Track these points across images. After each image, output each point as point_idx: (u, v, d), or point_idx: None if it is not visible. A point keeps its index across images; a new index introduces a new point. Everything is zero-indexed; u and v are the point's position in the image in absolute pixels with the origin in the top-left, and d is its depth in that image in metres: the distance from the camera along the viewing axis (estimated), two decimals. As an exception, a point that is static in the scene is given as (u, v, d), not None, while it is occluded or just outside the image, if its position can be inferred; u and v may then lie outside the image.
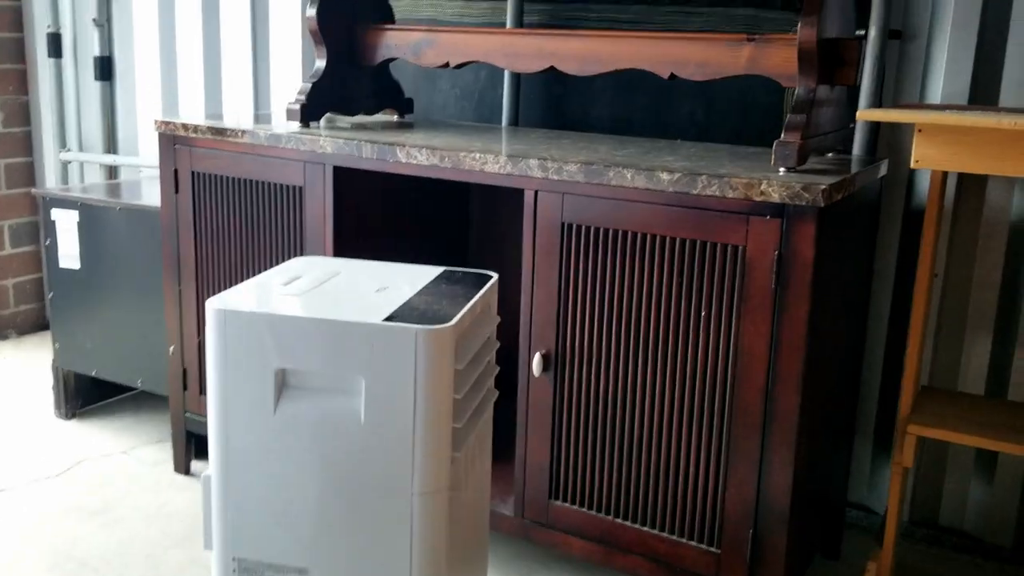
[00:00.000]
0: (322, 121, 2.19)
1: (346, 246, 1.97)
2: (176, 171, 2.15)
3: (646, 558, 1.67)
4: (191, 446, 2.34)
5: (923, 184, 1.99)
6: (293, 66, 2.77)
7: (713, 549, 1.61)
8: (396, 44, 2.14)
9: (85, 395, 2.72)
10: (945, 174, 1.64)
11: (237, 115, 2.24)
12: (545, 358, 1.70)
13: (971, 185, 1.94)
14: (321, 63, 2.13)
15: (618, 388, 1.65)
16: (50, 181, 3.35)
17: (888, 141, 2.01)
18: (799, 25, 1.57)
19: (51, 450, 2.45)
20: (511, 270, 1.91)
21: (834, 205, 1.48)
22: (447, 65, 2.07)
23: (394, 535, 1.25)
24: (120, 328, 2.51)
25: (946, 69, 1.92)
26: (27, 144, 3.38)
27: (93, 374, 2.59)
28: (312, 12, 2.08)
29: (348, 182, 1.94)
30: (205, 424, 2.35)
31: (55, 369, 2.64)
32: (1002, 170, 1.41)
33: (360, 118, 2.31)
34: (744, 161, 1.71)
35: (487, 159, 1.70)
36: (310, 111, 2.10)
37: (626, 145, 1.93)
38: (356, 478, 1.24)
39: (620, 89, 2.26)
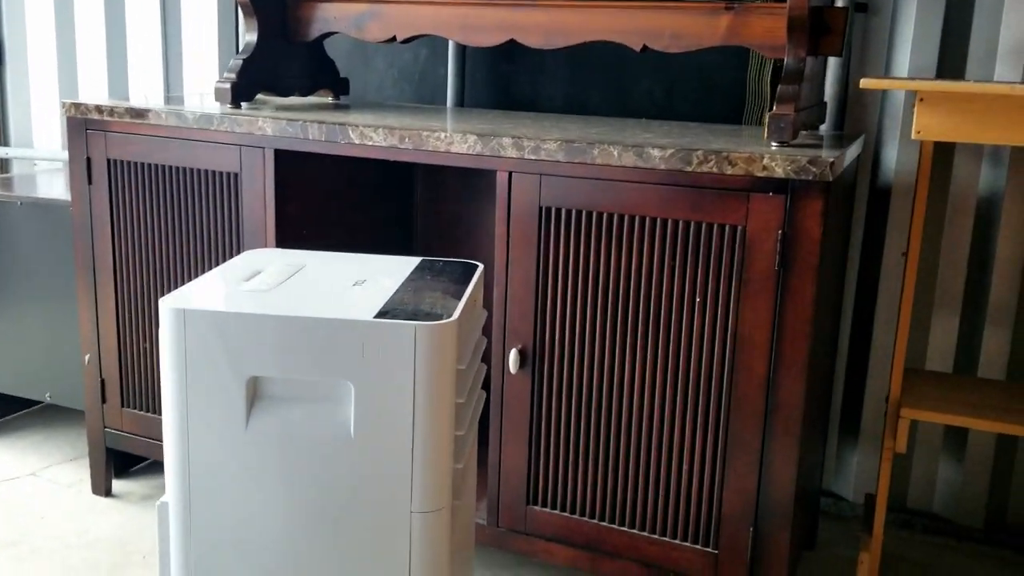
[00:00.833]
0: (249, 103, 1.98)
1: (289, 238, 1.77)
2: (89, 160, 1.91)
3: (637, 563, 1.55)
4: (111, 465, 2.10)
5: (888, 162, 1.93)
6: (208, 46, 2.53)
7: (710, 550, 1.49)
8: (335, 17, 1.95)
9: (-17, 411, 2.43)
10: (933, 149, 1.56)
11: (146, 99, 2.01)
12: (522, 354, 1.55)
13: (938, 162, 1.89)
14: (252, 37, 1.93)
15: (604, 383, 1.51)
16: (-69, 176, 3.01)
17: (853, 118, 1.94)
18: (788, -9, 1.47)
19: (-52, 475, 2.17)
20: (472, 258, 1.75)
21: (836, 180, 1.38)
22: (394, 39, 1.90)
23: (389, 561, 1.08)
24: (23, 336, 2.24)
25: (913, 43, 1.86)
26: (-97, 136, 3.02)
27: (-7, 388, 2.31)
28: (241, -19, 1.87)
29: (291, 167, 1.75)
30: (128, 440, 2.15)
31: (-52, 384, 2.35)
32: (1010, 139, 1.33)
33: (293, 99, 2.11)
34: (726, 137, 1.60)
35: (454, 139, 1.54)
36: (241, 90, 1.90)
37: (593, 124, 1.79)
38: (344, 499, 1.07)
39: (574, 66, 2.12)
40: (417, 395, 1.03)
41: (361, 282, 1.19)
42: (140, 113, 1.82)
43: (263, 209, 1.74)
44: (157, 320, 1.59)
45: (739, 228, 1.38)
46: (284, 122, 1.68)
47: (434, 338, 1.03)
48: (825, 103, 1.82)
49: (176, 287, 1.70)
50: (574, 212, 1.48)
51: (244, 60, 1.90)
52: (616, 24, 1.71)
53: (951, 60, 1.86)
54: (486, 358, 1.55)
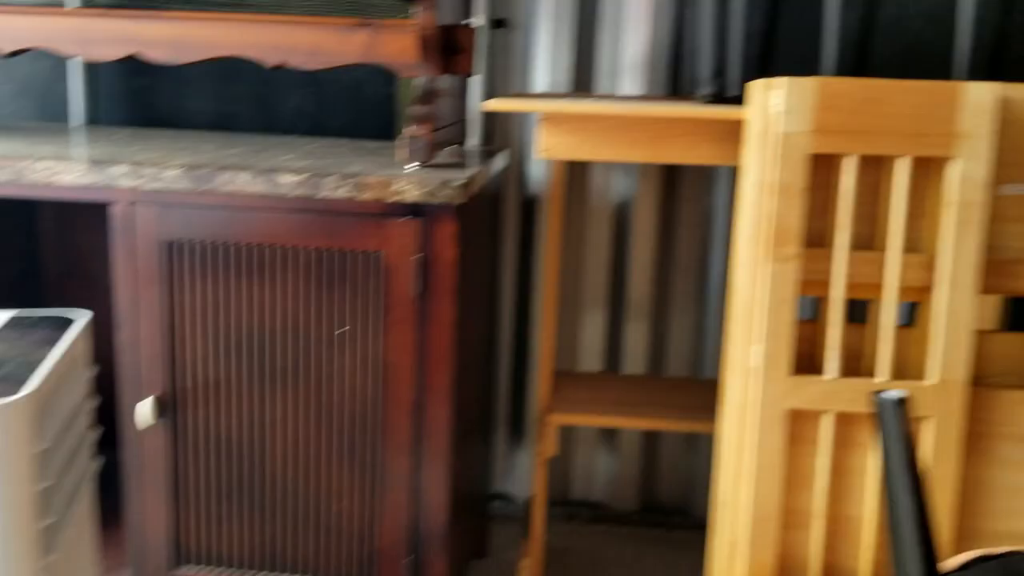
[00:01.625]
0: None
1: None
2: None
3: (300, 606, 1.44)
4: None
5: (535, 173, 1.96)
6: None
7: (373, 583, 1.42)
8: (-81, 24, 1.64)
9: None
10: (565, 163, 1.58)
11: None
12: (158, 402, 1.38)
13: (576, 172, 1.94)
14: None
15: (249, 426, 1.38)
16: None
17: (501, 131, 1.95)
18: (417, 10, 1.41)
19: None
20: (104, 303, 1.54)
21: (469, 201, 1.35)
22: (-6, 51, 1.62)
23: None
24: None
25: (549, 58, 1.89)
26: None
27: None
28: None
29: None
30: None
31: None
32: (624, 156, 1.37)
33: None
34: (370, 157, 1.52)
35: (59, 168, 1.33)
36: None
37: (235, 143, 1.65)
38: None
39: (220, 79, 1.95)
40: (-15, 486, 0.85)
41: (-78, 350, 0.97)
42: None
43: None
44: None
45: (377, 254, 1.31)
46: None
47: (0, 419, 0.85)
48: (466, 120, 1.81)
49: None
50: (203, 245, 1.33)
51: None
52: (248, 39, 1.57)
53: (584, 74, 1.92)
54: (111, 411, 1.37)
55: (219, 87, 1.96)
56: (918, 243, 1.20)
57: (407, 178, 1.28)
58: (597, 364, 2.01)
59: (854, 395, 1.18)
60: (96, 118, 1.98)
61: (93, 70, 1.96)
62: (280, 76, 1.92)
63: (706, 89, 1.45)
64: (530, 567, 1.64)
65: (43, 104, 2.00)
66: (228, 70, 1.94)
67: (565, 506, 2.09)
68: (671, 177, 1.94)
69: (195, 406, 1.38)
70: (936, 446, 1.17)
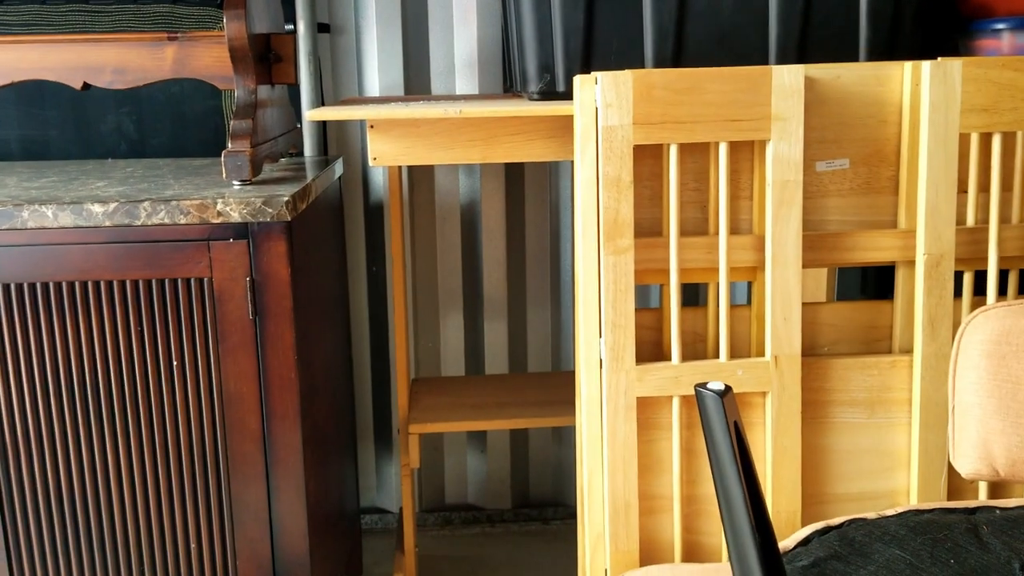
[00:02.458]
0: None
1: None
2: None
3: (160, 657, 1.35)
4: None
5: (377, 178, 1.91)
6: None
7: (237, 621, 1.35)
8: None
9: None
10: (403, 167, 1.55)
11: None
12: (-23, 457, 1.27)
13: (422, 174, 1.91)
14: None
15: (82, 474, 1.29)
16: None
17: (337, 138, 1.89)
18: (225, 20, 1.34)
19: None
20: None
21: (302, 215, 1.30)
22: None
23: None
24: None
25: (379, 61, 1.85)
26: None
27: None
28: None
29: None
30: None
31: None
32: (453, 159, 1.34)
33: None
34: (192, 177, 1.44)
35: None
36: None
37: (44, 173, 1.53)
38: None
39: (24, 103, 1.81)
40: None
41: None
42: None
43: None
44: None
45: (205, 280, 1.23)
46: None
47: None
48: (299, 127, 1.74)
49: None
50: (11, 287, 1.23)
51: None
52: (49, 62, 1.47)
53: (417, 75, 1.89)
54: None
55: (26, 112, 1.82)
56: (745, 225, 1.22)
57: (229, 198, 1.21)
58: (460, 367, 1.99)
59: (698, 378, 1.19)
60: None
61: None
62: (94, 95, 1.81)
63: (535, 86, 1.44)
64: (403, 580, 1.61)
65: None
66: (34, 93, 1.80)
67: (441, 511, 2.06)
68: (516, 173, 1.93)
69: (17, 461, 1.27)
70: (777, 419, 1.20)
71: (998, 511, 0.82)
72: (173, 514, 1.30)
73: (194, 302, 1.23)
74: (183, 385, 1.26)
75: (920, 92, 1.18)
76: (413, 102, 1.50)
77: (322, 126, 1.86)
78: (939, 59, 1.17)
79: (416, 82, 1.89)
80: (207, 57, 1.46)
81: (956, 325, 1.20)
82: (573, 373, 1.73)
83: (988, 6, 1.48)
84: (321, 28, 1.82)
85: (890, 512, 0.83)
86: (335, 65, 1.87)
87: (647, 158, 1.19)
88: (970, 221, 1.23)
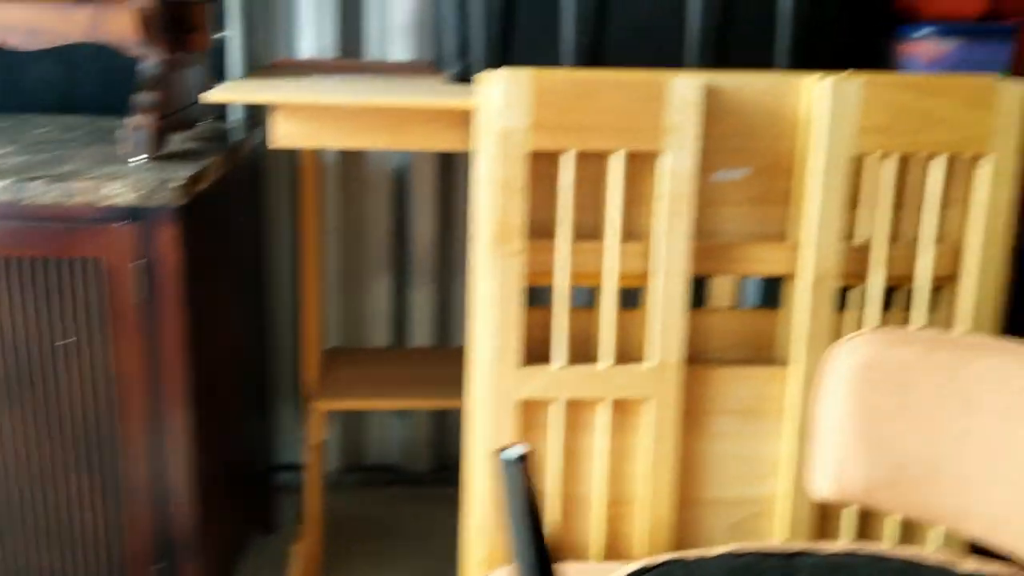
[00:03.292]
0: None
1: None
2: None
3: (55, 617, 1.38)
4: None
5: (307, 142, 1.88)
6: None
7: (128, 591, 1.38)
8: None
9: None
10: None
11: None
12: None
13: (351, 141, 1.88)
14: None
15: (-21, 438, 1.30)
16: None
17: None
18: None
19: None
20: None
21: (202, 194, 1.28)
22: None
23: None
24: None
25: (313, 24, 1.81)
26: None
27: None
28: None
29: None
30: None
31: None
32: (365, 143, 1.32)
33: None
34: (103, 145, 1.42)
35: None
36: None
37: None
38: None
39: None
40: None
41: None
42: None
43: None
44: None
45: (96, 261, 1.23)
46: None
47: None
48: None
49: None
50: (-100, 256, 1.22)
51: None
52: (-46, 17, 1.42)
53: (351, 39, 1.85)
54: None
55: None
56: (644, 229, 1.22)
57: (121, 180, 1.20)
58: (385, 336, 1.99)
59: (581, 381, 1.21)
60: None
61: None
62: (17, 45, 1.76)
63: (453, 69, 1.41)
64: (304, 548, 1.63)
65: None
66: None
67: (362, 471, 2.09)
68: (445, 144, 1.91)
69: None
70: (656, 425, 1.21)
71: (815, 558, 0.84)
72: (66, 482, 1.31)
73: (86, 283, 1.23)
74: (74, 363, 1.26)
75: (817, 108, 1.17)
76: (338, 74, 1.47)
77: (251, 87, 1.82)
78: (840, 75, 1.16)
79: (351, 45, 1.85)
80: (119, 22, 1.42)
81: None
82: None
83: (914, 9, 1.45)
84: (249, -12, 1.77)
85: (713, 552, 0.85)
86: (269, 24, 1.82)
87: (542, 159, 1.18)
88: (861, 239, 1.23)
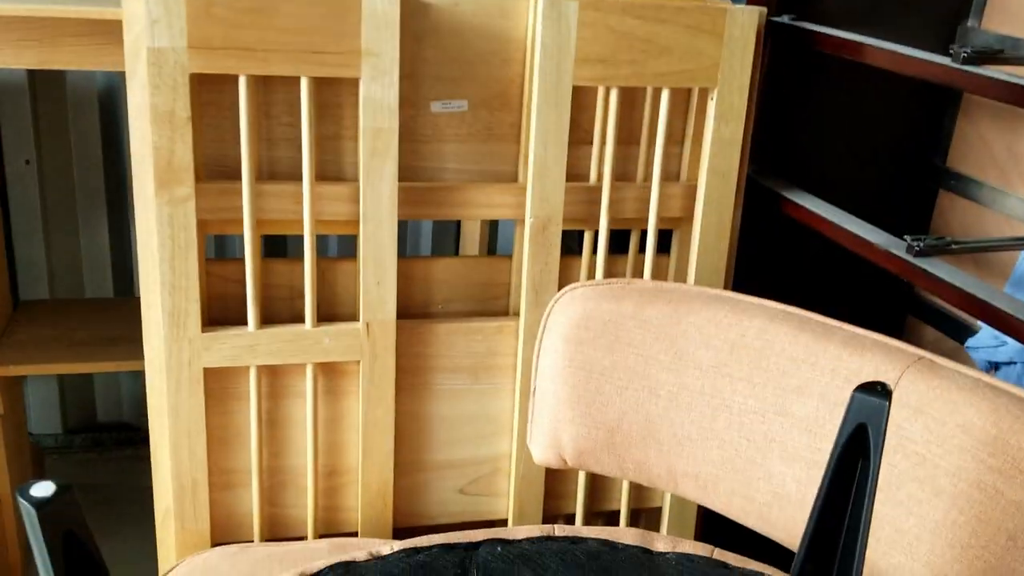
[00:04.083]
0: None
1: None
2: None
3: None
4: None
5: None
6: None
7: None
8: None
9: None
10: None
11: None
12: None
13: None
14: None
15: None
16: None
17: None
18: None
19: None
20: None
21: None
22: None
23: None
24: None
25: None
26: None
27: None
28: None
29: None
30: None
31: None
32: (9, 62, 1.08)
33: None
34: None
35: None
36: None
37: None
38: None
39: None
40: None
41: None
42: None
43: None
44: None
45: None
46: None
47: None
48: None
49: None
50: None
51: None
52: None
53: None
54: None
55: None
56: (350, 169, 1.06)
57: None
58: (107, 285, 1.75)
59: (277, 347, 1.05)
60: None
61: None
62: None
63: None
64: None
65: None
66: None
67: (91, 431, 1.86)
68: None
69: None
70: (368, 389, 1.08)
71: (500, 547, 0.74)
72: None
73: None
74: None
75: (535, 33, 1.04)
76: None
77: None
78: (557, -1, 1.03)
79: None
80: None
81: (567, 289, 1.12)
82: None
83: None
84: None
85: (386, 550, 0.73)
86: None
87: (228, 83, 0.99)
88: (592, 178, 1.13)
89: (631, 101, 1.11)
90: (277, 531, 1.13)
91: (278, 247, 1.76)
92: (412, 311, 1.13)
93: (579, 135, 1.10)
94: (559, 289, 1.05)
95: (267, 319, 1.06)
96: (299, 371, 1.07)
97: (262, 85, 1.00)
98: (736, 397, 0.88)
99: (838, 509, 0.65)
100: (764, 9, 1.10)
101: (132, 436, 1.87)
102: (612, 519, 1.26)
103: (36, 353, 1.35)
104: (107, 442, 1.86)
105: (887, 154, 1.37)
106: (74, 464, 1.81)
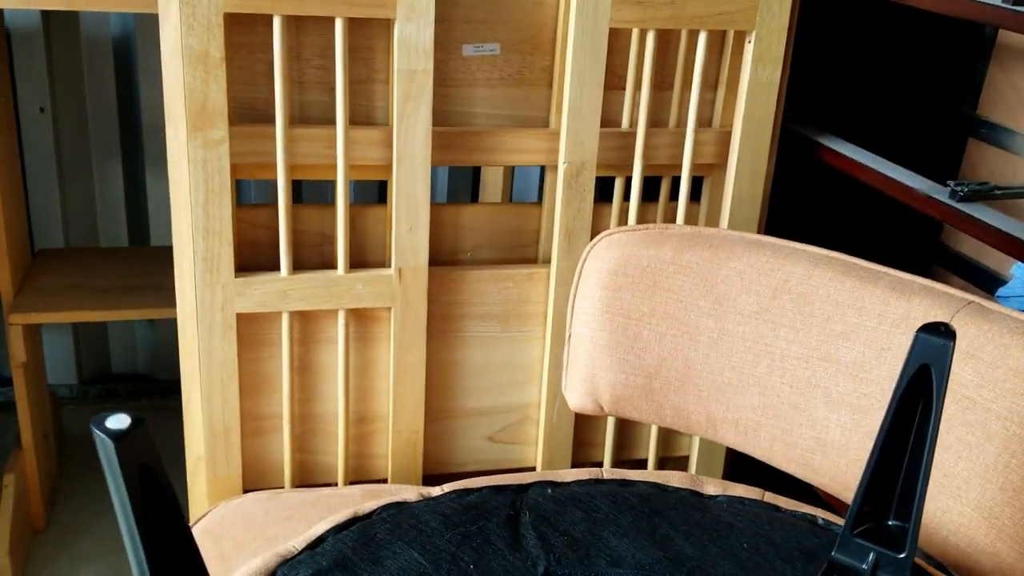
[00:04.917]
0: None
1: None
2: None
3: None
4: None
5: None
6: None
7: None
8: None
9: None
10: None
11: None
12: None
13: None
14: None
15: None
16: None
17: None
18: None
19: None
20: None
21: None
22: None
23: None
24: None
25: None
26: None
27: None
28: None
29: None
30: None
31: None
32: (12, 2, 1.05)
33: None
34: None
35: None
36: None
37: None
38: None
39: None
40: None
41: None
42: None
43: None
44: None
45: None
46: None
47: None
48: None
49: None
50: None
51: None
52: None
53: None
54: None
55: None
56: (381, 113, 1.04)
57: None
58: (122, 233, 1.73)
59: (310, 291, 1.04)
60: None
61: None
62: None
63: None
64: (19, 477, 1.41)
65: None
66: None
67: (106, 382, 1.86)
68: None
69: None
70: (400, 335, 1.08)
71: (551, 489, 0.74)
72: None
73: None
74: None
75: (572, -25, 1.01)
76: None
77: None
78: (595, -62, 1.00)
79: None
80: None
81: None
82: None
83: None
84: None
85: (436, 492, 0.73)
86: None
87: (260, 24, 0.96)
88: (625, 124, 1.11)
89: (665, 45, 1.09)
90: (307, 478, 1.13)
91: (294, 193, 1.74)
92: (441, 258, 1.12)
93: (612, 80, 1.08)
94: (592, 237, 1.04)
95: (296, 266, 1.05)
96: (331, 317, 1.06)
97: (294, 27, 0.98)
98: (779, 343, 0.87)
99: (897, 451, 0.64)
100: (803, -50, 1.08)
101: (147, 387, 1.86)
102: (639, 468, 1.26)
103: (57, 301, 1.34)
104: (122, 393, 1.86)
105: (917, 102, 1.35)
106: (89, 415, 1.80)
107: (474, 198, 1.81)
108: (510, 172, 1.58)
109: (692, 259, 0.91)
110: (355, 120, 1.03)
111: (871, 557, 0.63)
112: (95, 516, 1.55)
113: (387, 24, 0.99)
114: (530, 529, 0.69)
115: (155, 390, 1.86)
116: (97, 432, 0.46)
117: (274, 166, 1.00)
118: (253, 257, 1.05)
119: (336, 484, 1.13)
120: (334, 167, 1.01)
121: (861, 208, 1.36)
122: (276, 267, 1.03)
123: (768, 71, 1.08)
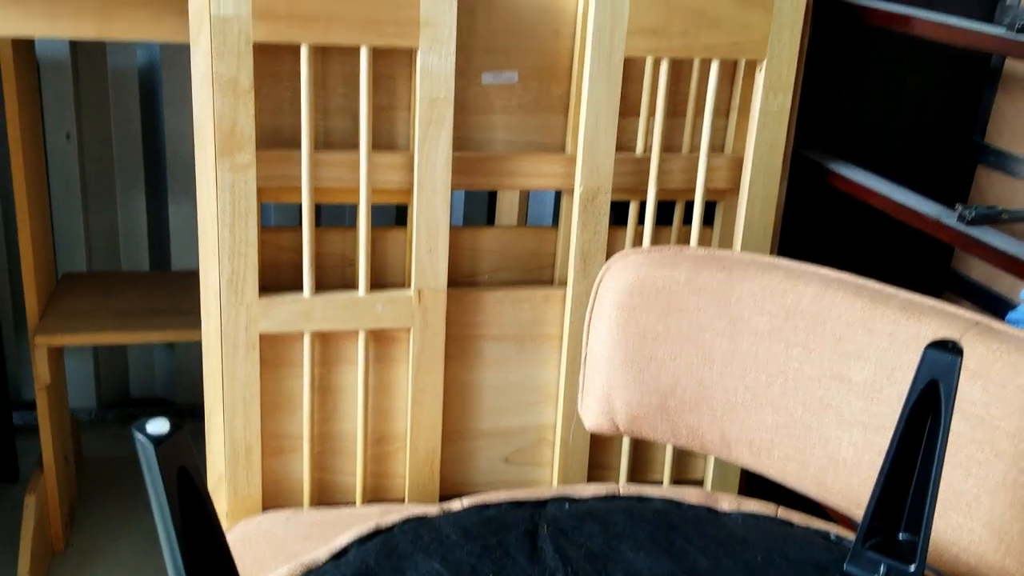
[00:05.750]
0: None
1: None
2: None
3: None
4: None
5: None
6: None
7: None
8: None
9: None
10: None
11: None
12: None
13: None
14: None
15: None
16: None
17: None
18: None
19: None
20: None
21: None
22: None
23: None
24: None
25: None
26: None
27: None
28: None
29: None
30: None
31: None
32: (57, 32, 1.09)
33: None
34: None
35: None
36: None
37: None
38: None
39: None
40: None
41: None
42: None
43: None
44: None
45: None
46: None
47: None
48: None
49: None
50: None
51: None
52: None
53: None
54: None
55: None
56: (403, 140, 1.08)
57: None
58: (143, 258, 1.77)
59: (332, 312, 1.06)
60: None
61: None
62: None
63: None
64: (39, 498, 1.43)
65: None
66: None
67: (125, 407, 1.89)
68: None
69: None
70: (419, 356, 1.10)
71: (568, 504, 0.76)
72: None
73: None
74: None
75: (587, 5, 1.05)
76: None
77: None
78: (610, -29, 1.04)
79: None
80: None
81: (613, 260, 1.13)
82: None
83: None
84: None
85: (456, 506, 0.75)
86: None
87: (287, 54, 1.00)
88: (639, 149, 1.14)
89: (678, 73, 1.12)
90: (325, 497, 1.14)
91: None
92: (459, 280, 1.14)
93: (626, 107, 1.11)
94: (606, 259, 1.07)
95: (318, 287, 1.07)
96: (351, 338, 1.09)
97: (319, 56, 1.02)
98: (791, 363, 0.89)
99: (907, 466, 0.66)
100: (813, -18, 1.11)
101: (165, 411, 1.89)
102: (653, 489, 1.28)
103: (81, 323, 1.37)
104: (140, 416, 1.88)
105: (926, 129, 1.38)
106: (108, 438, 1.83)
107: (489, 222, 1.84)
108: (525, 197, 1.61)
109: (706, 280, 0.93)
110: (377, 145, 1.06)
111: (882, 569, 0.64)
112: (113, 538, 1.57)
113: (410, 53, 1.03)
114: (548, 542, 0.71)
115: (172, 413, 1.89)
116: (138, 435, 0.49)
117: (298, 189, 1.03)
118: (276, 279, 1.08)
119: (354, 503, 1.15)
120: (357, 191, 1.04)
121: (872, 234, 1.38)
122: (298, 288, 1.06)
123: (779, 99, 1.11)
